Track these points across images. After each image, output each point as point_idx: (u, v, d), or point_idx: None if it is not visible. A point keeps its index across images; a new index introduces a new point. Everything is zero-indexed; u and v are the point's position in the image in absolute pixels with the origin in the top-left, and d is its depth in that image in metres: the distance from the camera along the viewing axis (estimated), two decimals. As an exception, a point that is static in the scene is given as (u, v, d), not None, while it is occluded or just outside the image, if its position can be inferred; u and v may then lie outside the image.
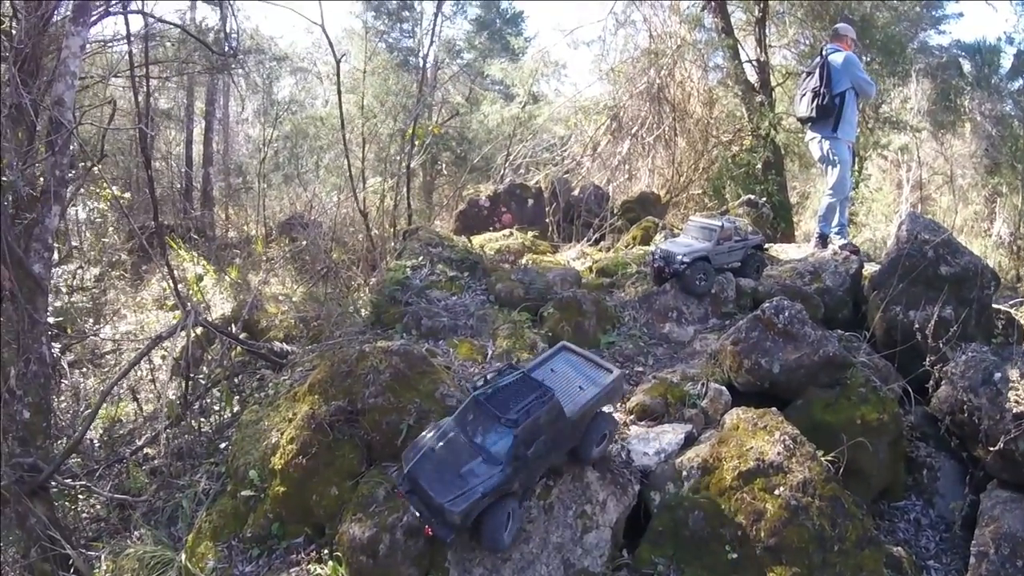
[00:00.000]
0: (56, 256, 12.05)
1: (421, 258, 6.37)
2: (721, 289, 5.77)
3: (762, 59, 12.02)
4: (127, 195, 12.44)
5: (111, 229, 12.15)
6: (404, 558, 3.39)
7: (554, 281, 5.89)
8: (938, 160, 15.67)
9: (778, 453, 3.58)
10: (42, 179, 5.29)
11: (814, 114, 6.39)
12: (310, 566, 3.69)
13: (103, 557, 4.42)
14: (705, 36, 12.62)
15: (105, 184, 9.99)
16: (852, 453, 3.91)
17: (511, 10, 23.58)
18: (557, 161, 12.10)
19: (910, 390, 4.76)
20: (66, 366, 8.33)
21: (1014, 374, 4.08)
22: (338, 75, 7.86)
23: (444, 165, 15.91)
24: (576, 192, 9.47)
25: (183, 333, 5.52)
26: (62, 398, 7.50)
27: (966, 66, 13.93)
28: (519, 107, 12.99)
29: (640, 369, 4.99)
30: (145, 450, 5.97)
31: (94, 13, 6.23)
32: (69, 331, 9.58)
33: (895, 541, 3.99)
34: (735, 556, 3.32)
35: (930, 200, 15.84)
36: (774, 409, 3.98)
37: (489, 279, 6.07)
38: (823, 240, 6.78)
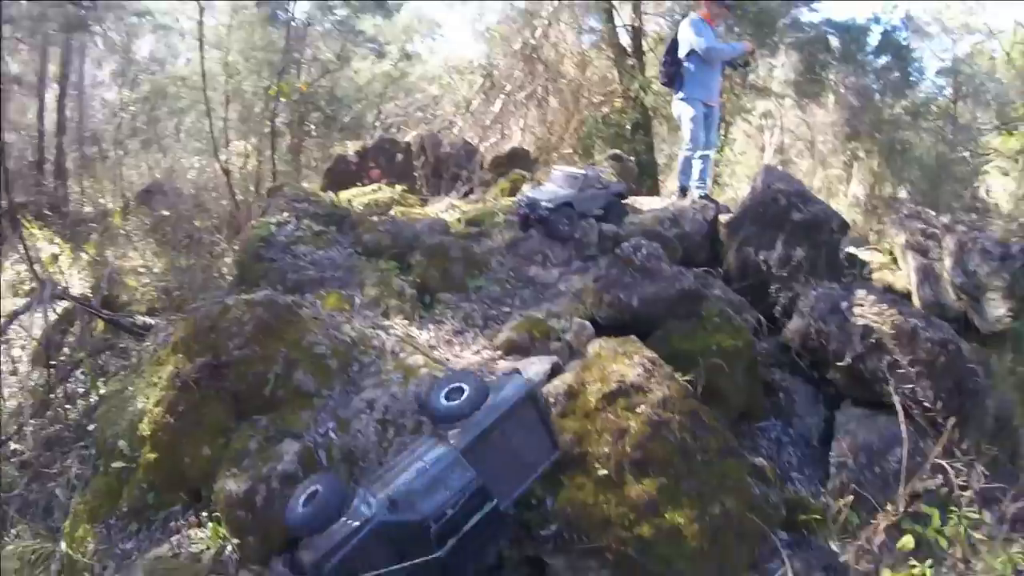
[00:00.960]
0: None
1: (287, 214, 6.26)
2: (584, 234, 6.06)
3: (636, 25, 12.38)
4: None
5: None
6: (281, 506, 3.35)
7: (422, 231, 5.99)
8: (800, 127, 16.62)
9: (638, 375, 3.80)
10: None
11: (662, 80, 7.14)
12: (190, 531, 3.67)
13: None
14: None
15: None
16: (710, 376, 4.22)
17: (389, -35, 22.81)
18: (430, 120, 12.07)
19: (763, 320, 5.21)
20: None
21: (859, 294, 4.55)
22: (200, 26, 7.46)
23: (314, 126, 15.40)
24: (447, 148, 9.53)
25: (40, 309, 5.27)
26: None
27: (834, 42, 14.86)
28: (391, 64, 12.78)
29: (507, 310, 5.20)
30: (13, 445, 5.65)
31: None
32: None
33: (759, 456, 4.33)
34: (604, 472, 3.50)
35: (790, 163, 16.69)
36: (632, 336, 4.22)
37: (356, 232, 6.08)
38: (683, 192, 7.20)
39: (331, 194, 7.47)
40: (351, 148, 9.52)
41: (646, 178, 11.36)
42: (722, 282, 5.54)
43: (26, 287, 9.45)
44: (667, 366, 3.95)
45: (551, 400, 3.86)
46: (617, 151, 9.57)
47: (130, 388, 4.49)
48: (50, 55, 14.30)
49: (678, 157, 7.34)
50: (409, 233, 5.85)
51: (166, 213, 9.87)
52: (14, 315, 5.31)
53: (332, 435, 3.76)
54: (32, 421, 5.45)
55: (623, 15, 12.63)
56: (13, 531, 4.48)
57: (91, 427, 4.95)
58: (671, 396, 3.73)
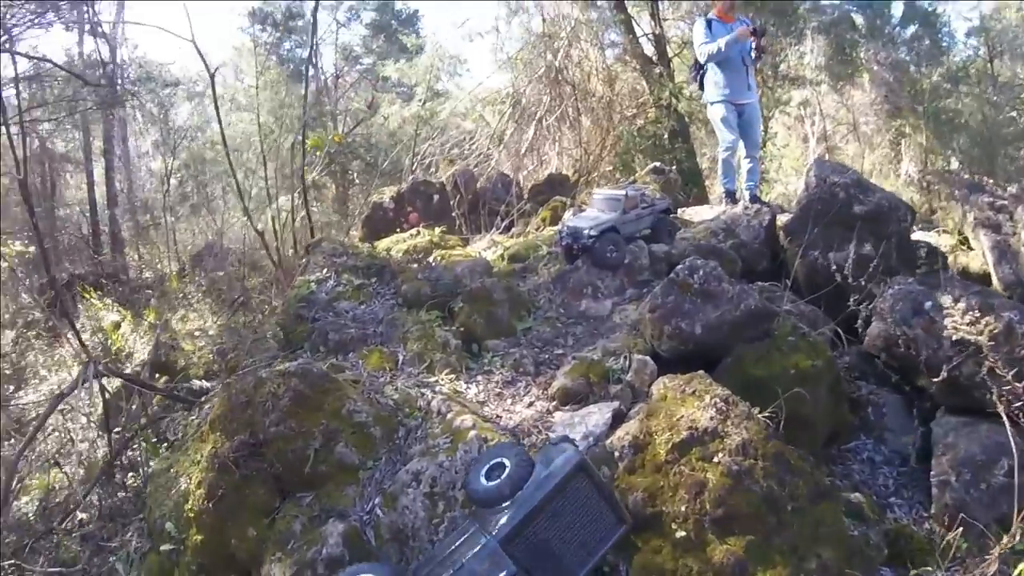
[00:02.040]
0: None
1: (326, 270, 6.12)
2: (634, 258, 5.67)
3: (657, 32, 12.10)
4: (31, 249, 11.81)
5: (19, 288, 11.52)
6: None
7: (463, 274, 5.72)
8: (840, 111, 16.09)
9: (711, 418, 3.43)
10: None
11: (698, 86, 7.05)
12: None
13: None
14: (598, 14, 12.63)
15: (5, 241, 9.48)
16: (792, 404, 3.78)
17: (406, 10, 23.28)
18: (465, 156, 11.94)
19: (840, 332, 4.76)
20: (-13, 438, 7.88)
21: (945, 300, 4.02)
22: (213, 90, 7.51)
23: (355, 174, 15.54)
24: (482, 183, 9.34)
25: (87, 386, 5.25)
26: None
27: (858, 20, 14.40)
28: (419, 105, 12.76)
29: (560, 351, 4.85)
30: (79, 516, 5.60)
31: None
32: (-12, 402, 9.05)
33: (852, 484, 3.95)
34: (683, 534, 3.15)
35: (837, 150, 16.23)
36: (701, 372, 3.83)
37: (397, 282, 5.87)
38: (730, 196, 6.90)
39: (369, 244, 7.31)
40: (387, 194, 9.39)
41: (692, 186, 10.97)
42: (790, 293, 5.08)
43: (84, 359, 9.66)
44: (743, 404, 3.53)
45: (616, 454, 3.51)
46: (657, 163, 9.17)
47: (175, 468, 4.35)
48: (93, 131, 14.78)
49: (719, 158, 7.08)
50: (449, 278, 5.59)
51: (220, 274, 10.02)
52: (60, 397, 5.24)
53: (379, 512, 3.50)
54: (93, 492, 5.36)
55: (642, 24, 12.40)
56: None
57: (148, 491, 4.88)
58: (751, 439, 3.32)
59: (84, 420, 6.91)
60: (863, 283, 4.56)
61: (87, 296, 10.92)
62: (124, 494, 5.52)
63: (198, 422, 4.76)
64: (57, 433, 6.49)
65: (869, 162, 15.12)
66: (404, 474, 3.56)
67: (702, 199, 10.76)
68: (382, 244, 7.54)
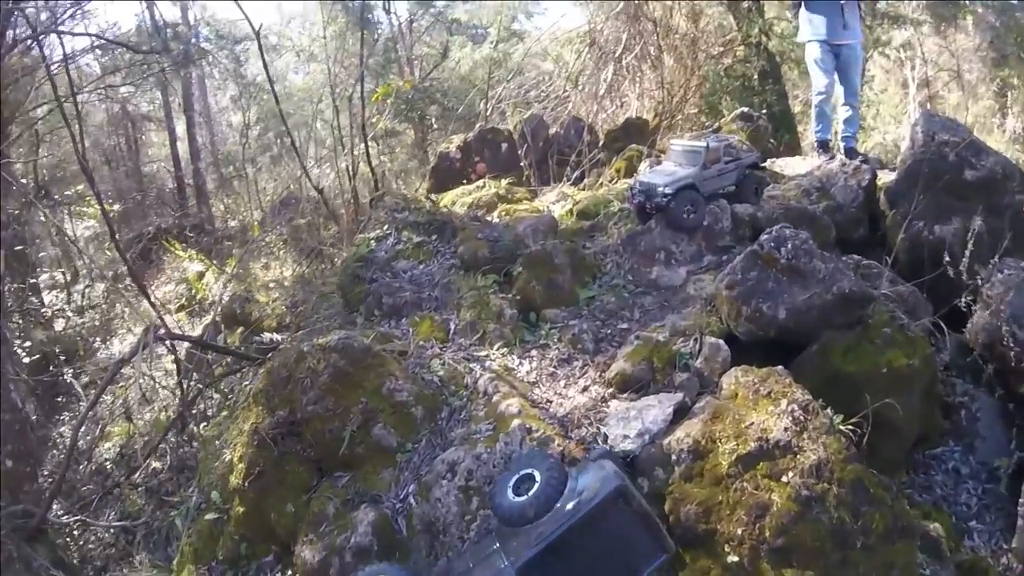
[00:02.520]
0: (63, 278, 12.13)
1: (387, 226, 5.83)
2: (715, 220, 4.99)
3: None
4: (116, 206, 12.26)
5: (106, 244, 12.00)
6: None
7: (524, 233, 5.27)
8: (943, 56, 14.60)
9: (785, 429, 2.96)
10: None
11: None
12: None
13: None
14: None
15: (90, 200, 9.82)
16: (880, 407, 3.24)
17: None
18: (543, 99, 11.32)
19: (941, 324, 4.07)
20: (80, 389, 8.25)
21: None
22: (260, 48, 7.28)
23: (433, 119, 15.23)
24: (553, 129, 8.77)
25: (146, 353, 5.25)
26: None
27: None
28: (491, 47, 12.18)
29: (624, 326, 4.34)
30: (152, 465, 5.75)
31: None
32: (81, 352, 9.52)
33: (932, 499, 3.48)
34: (735, 559, 2.78)
35: (938, 98, 14.86)
36: (780, 369, 3.34)
37: (457, 240, 5.50)
38: (822, 147, 6.29)
39: (432, 198, 6.98)
40: (454, 143, 9.00)
41: (782, 132, 10.02)
42: (890, 272, 4.37)
43: (175, 305, 10.02)
44: (824, 414, 3.05)
45: (673, 457, 3.09)
46: (745, 109, 8.34)
47: (224, 435, 4.34)
48: (172, 90, 15.07)
49: (812, 103, 6.43)
50: (509, 238, 5.17)
51: (301, 222, 10.06)
52: (120, 363, 5.29)
53: (412, 501, 3.27)
54: (161, 445, 5.57)
55: None
56: (137, 558, 4.65)
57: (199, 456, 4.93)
58: (828, 459, 2.85)
59: (163, 371, 7.10)
60: (973, 265, 3.88)
61: (171, 248, 11.24)
62: (193, 446, 5.63)
63: (250, 389, 4.66)
64: (141, 382, 6.63)
65: (972, 114, 13.71)
66: (440, 464, 3.28)
67: (794, 147, 9.88)
68: (447, 197, 7.20)
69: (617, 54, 10.87)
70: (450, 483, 3.19)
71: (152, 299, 6.66)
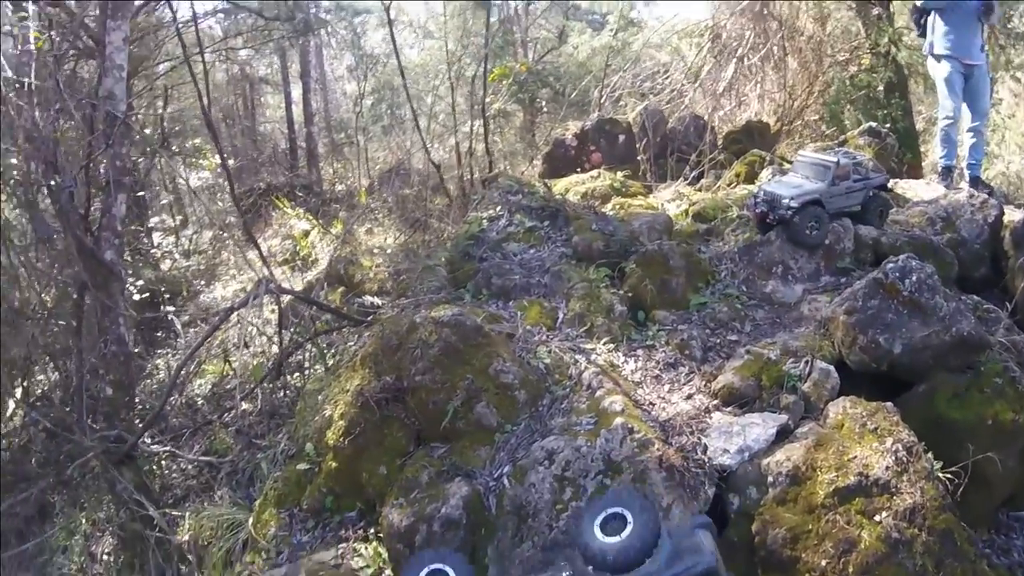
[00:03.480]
0: (173, 223, 12.88)
1: (499, 208, 5.89)
2: (836, 239, 4.82)
3: None
4: (231, 162, 12.86)
5: (218, 196, 12.63)
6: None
7: (640, 230, 5.21)
8: None
9: (886, 468, 2.93)
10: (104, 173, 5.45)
11: (917, 30, 6.21)
12: (355, 544, 3.52)
13: (186, 517, 4.56)
14: None
15: (207, 154, 10.34)
16: (978, 459, 3.19)
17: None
18: (659, 91, 11.09)
19: None
20: (180, 327, 8.74)
21: None
22: (389, 23, 7.42)
23: (544, 103, 15.20)
24: (674, 124, 8.56)
25: (256, 304, 5.50)
26: (178, 356, 7.86)
27: None
28: (610, 35, 12.00)
29: (734, 338, 4.24)
30: (242, 407, 5.97)
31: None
32: (185, 293, 10.09)
33: (1008, 563, 3.32)
34: None
35: None
36: (889, 405, 3.29)
37: (570, 229, 5.48)
38: (947, 174, 6.02)
39: (546, 184, 6.95)
40: (570, 130, 8.93)
41: (905, 152, 9.46)
42: (1009, 320, 4.15)
43: (279, 258, 10.45)
44: (926, 458, 3.01)
45: (769, 479, 3.06)
46: (873, 124, 7.91)
47: (324, 392, 4.44)
48: (290, 56, 15.60)
49: (936, 127, 6.20)
50: (625, 234, 5.11)
51: (407, 192, 10.30)
52: (230, 310, 5.59)
53: (505, 482, 3.27)
54: (256, 389, 5.77)
55: None
56: (218, 494, 4.88)
57: (297, 408, 5.09)
58: (923, 504, 2.81)
59: (263, 320, 7.41)
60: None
61: (280, 205, 11.69)
62: (284, 395, 5.93)
63: (356, 348, 4.79)
64: (238, 327, 6.92)
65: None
66: (539, 450, 3.27)
67: (916, 167, 9.32)
68: (560, 184, 7.14)
69: (740, 52, 10.50)
70: (547, 470, 3.18)
71: (262, 252, 6.93)
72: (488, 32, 8.79)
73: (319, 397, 4.47)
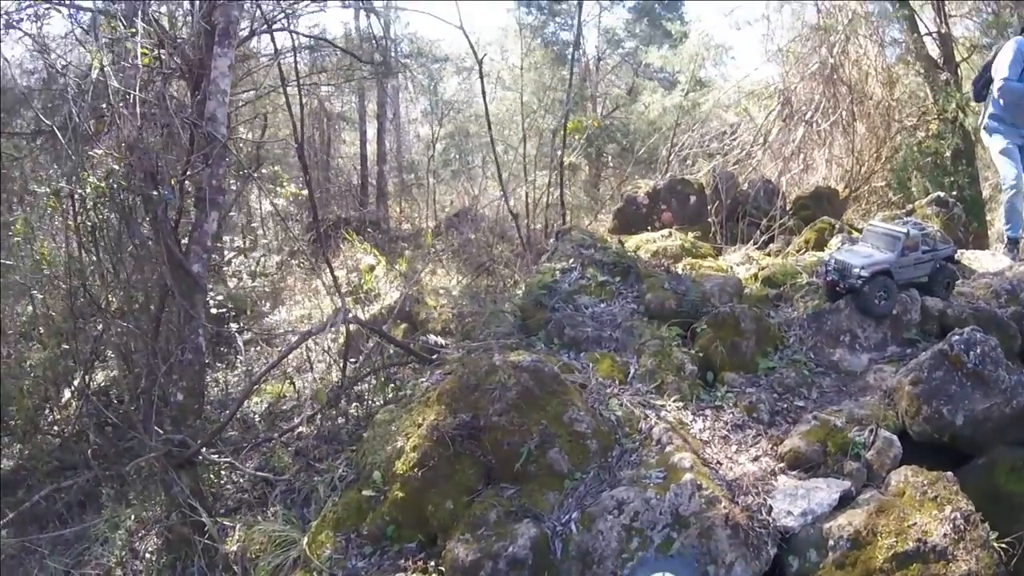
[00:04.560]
0: (242, 244, 13.36)
1: (572, 260, 6.05)
2: (904, 310, 4.87)
3: (943, 30, 10.44)
4: (304, 192, 13.35)
5: (291, 222, 13.08)
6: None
7: (711, 292, 5.31)
8: None
9: (944, 535, 3.01)
10: (200, 190, 5.70)
11: (973, 95, 6.41)
12: (414, 575, 3.60)
13: (237, 528, 4.65)
14: (878, 7, 11.13)
15: (285, 182, 10.79)
16: None
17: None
18: (726, 151, 11.22)
19: None
20: (241, 344, 9.03)
21: None
22: (480, 75, 7.75)
23: (610, 157, 15.50)
24: (744, 187, 8.67)
25: (332, 331, 5.70)
26: (235, 373, 8.12)
27: None
28: (681, 95, 12.24)
29: (801, 404, 4.32)
30: (299, 430, 6.14)
31: (242, 33, 6.73)
32: (248, 312, 10.42)
33: None
34: None
35: None
36: (949, 475, 3.36)
37: (641, 286, 5.60)
38: (1012, 245, 6.02)
39: (618, 240, 7.11)
40: (641, 188, 9.10)
41: (971, 220, 9.34)
42: None
43: (343, 290, 10.72)
44: (983, 527, 3.08)
45: (830, 542, 3.14)
46: (940, 194, 7.87)
47: (395, 424, 4.57)
48: (368, 96, 16.26)
49: (1000, 198, 6.21)
50: (696, 294, 5.22)
51: (471, 237, 10.56)
52: (307, 334, 5.82)
53: (573, 527, 3.36)
54: (319, 415, 5.87)
55: (926, 21, 10.74)
56: (271, 510, 4.88)
57: (366, 434, 5.16)
58: (978, 571, 2.91)
59: (325, 347, 7.62)
60: None
61: (349, 238, 12.08)
62: (344, 422, 6.00)
63: (427, 386, 4.94)
64: (300, 351, 7.13)
65: None
66: (608, 498, 3.37)
67: (981, 236, 9.29)
68: (631, 241, 7.29)
69: (809, 116, 10.59)
70: (615, 519, 3.27)
71: (337, 282, 7.18)
72: (571, 87, 9.04)
73: (390, 428, 4.60)
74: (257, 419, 7.03)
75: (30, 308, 7.66)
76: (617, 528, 3.25)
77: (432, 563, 3.61)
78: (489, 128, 8.24)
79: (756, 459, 3.78)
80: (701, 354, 4.67)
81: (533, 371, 3.90)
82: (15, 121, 7.23)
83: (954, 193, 8.33)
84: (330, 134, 17.57)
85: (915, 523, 3.07)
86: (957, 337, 3.96)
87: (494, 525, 3.45)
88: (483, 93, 8.20)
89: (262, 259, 13.13)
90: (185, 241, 6.14)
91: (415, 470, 3.86)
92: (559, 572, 3.25)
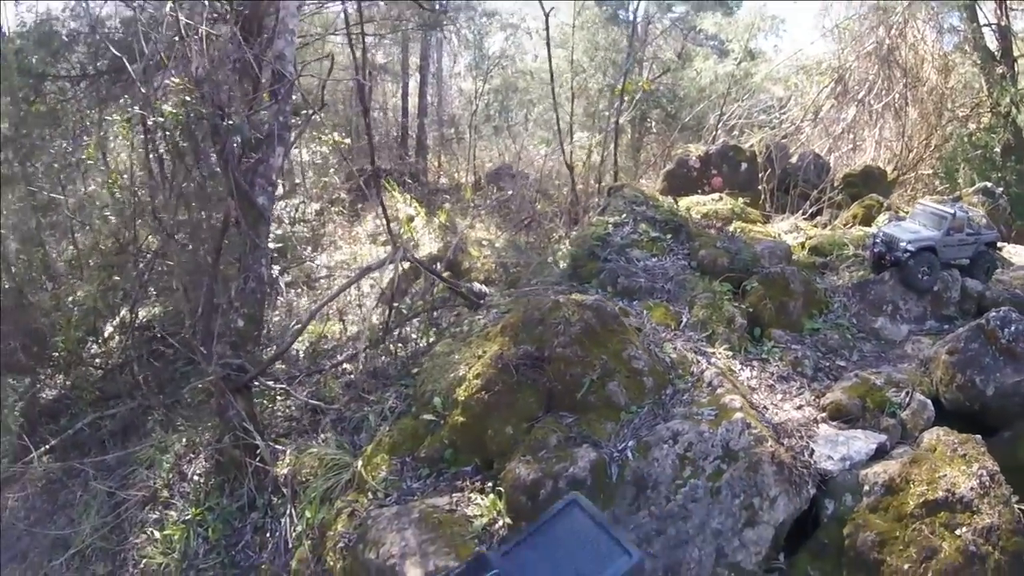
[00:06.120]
0: (281, 191, 13.46)
1: (624, 216, 6.25)
2: (945, 287, 5.13)
3: (1003, 23, 10.23)
4: (347, 141, 13.42)
5: (332, 170, 13.23)
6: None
7: (762, 254, 5.54)
8: None
9: (971, 488, 3.26)
10: (267, 124, 5.80)
11: None
12: (472, 494, 3.84)
13: (288, 452, 4.89)
14: None
15: (327, 130, 10.92)
16: None
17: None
18: (774, 124, 11.21)
19: None
20: (283, 285, 9.28)
21: None
22: (547, 29, 7.78)
23: (653, 123, 15.39)
24: (794, 160, 8.75)
25: (391, 266, 5.93)
26: (276, 313, 8.36)
27: None
28: (734, 64, 12.16)
29: (842, 364, 4.59)
30: (344, 366, 6.43)
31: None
32: (289, 256, 10.68)
33: None
34: None
35: None
36: (977, 437, 3.63)
37: (692, 244, 5.84)
38: None
39: (670, 199, 7.27)
40: (693, 152, 9.19)
41: (1015, 217, 9.35)
42: None
43: (381, 239, 10.92)
44: (1006, 486, 3.34)
45: (864, 488, 3.40)
46: (987, 184, 7.94)
47: (456, 355, 4.79)
48: (411, 49, 16.14)
49: None
50: (748, 255, 5.45)
51: (510, 193, 10.68)
52: (368, 269, 6.02)
53: (629, 454, 3.63)
54: (366, 351, 6.07)
55: (986, 12, 10.49)
56: (322, 436, 5.14)
57: (414, 371, 5.43)
58: (999, 525, 3.14)
59: (368, 290, 7.86)
60: None
61: (390, 189, 12.24)
62: (389, 359, 6.24)
63: (484, 322, 5.22)
64: (345, 293, 7.34)
65: None
66: (664, 430, 3.65)
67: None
68: (683, 202, 7.47)
69: (862, 96, 10.55)
70: (671, 448, 3.55)
71: (390, 226, 7.36)
72: (632, 45, 9.05)
73: (451, 358, 4.78)
74: (302, 355, 7.31)
75: (75, 245, 7.77)
76: (672, 457, 3.53)
77: (489, 484, 3.86)
78: (552, 81, 8.30)
79: (800, 408, 4.05)
80: (751, 310, 4.94)
81: (595, 309, 4.16)
82: (59, 64, 7.30)
83: (1000, 188, 8.36)
84: (372, 85, 17.54)
85: (945, 475, 3.31)
86: (994, 314, 4.21)
87: (555, 448, 3.70)
88: (548, 46, 8.25)
89: (300, 205, 13.33)
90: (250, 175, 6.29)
91: (478, 395, 4.08)
92: (615, 494, 3.52)
